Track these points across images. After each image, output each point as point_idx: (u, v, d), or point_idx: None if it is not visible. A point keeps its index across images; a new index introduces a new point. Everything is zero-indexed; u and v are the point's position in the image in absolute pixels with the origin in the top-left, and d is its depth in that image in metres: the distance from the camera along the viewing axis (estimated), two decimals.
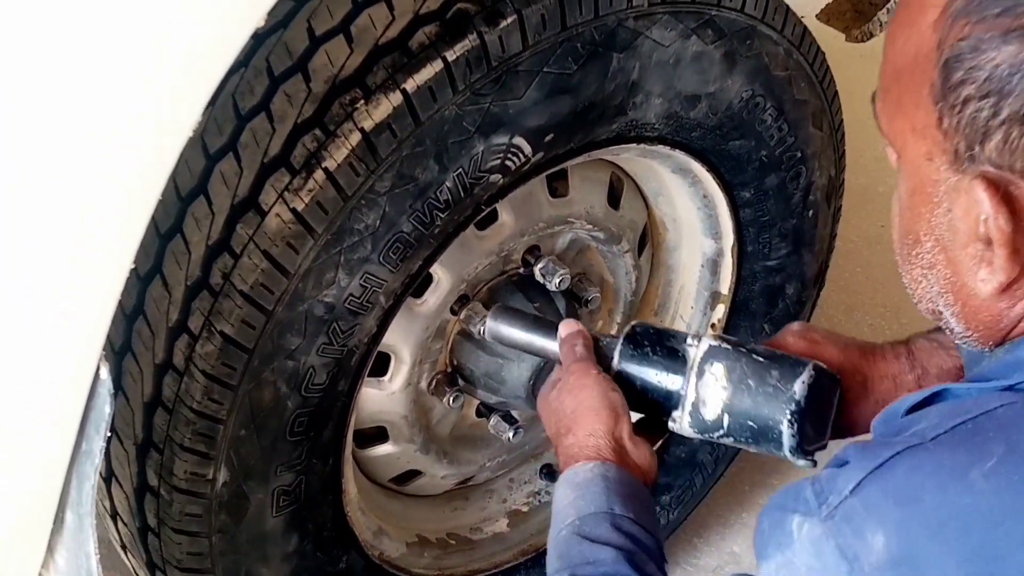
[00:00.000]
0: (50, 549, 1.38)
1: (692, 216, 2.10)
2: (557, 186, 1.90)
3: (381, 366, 1.83)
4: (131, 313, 1.49)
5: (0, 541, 1.33)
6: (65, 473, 1.32)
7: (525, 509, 2.28)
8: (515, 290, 1.90)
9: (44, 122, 1.07)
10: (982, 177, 0.99)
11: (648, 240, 2.19)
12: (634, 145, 1.79)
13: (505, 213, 1.81)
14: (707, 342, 1.51)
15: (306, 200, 1.41)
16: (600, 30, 1.56)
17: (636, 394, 1.55)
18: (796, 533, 0.97)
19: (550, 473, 2.23)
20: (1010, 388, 0.99)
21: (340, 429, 1.66)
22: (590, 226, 1.97)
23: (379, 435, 1.94)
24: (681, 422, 1.52)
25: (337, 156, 1.41)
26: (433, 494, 2.18)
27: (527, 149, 1.58)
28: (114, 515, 1.72)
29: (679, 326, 2.26)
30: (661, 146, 1.81)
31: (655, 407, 1.55)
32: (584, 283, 2.02)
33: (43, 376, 1.23)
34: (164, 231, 1.45)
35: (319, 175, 1.41)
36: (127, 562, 1.81)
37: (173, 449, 1.51)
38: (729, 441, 1.50)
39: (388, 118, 1.42)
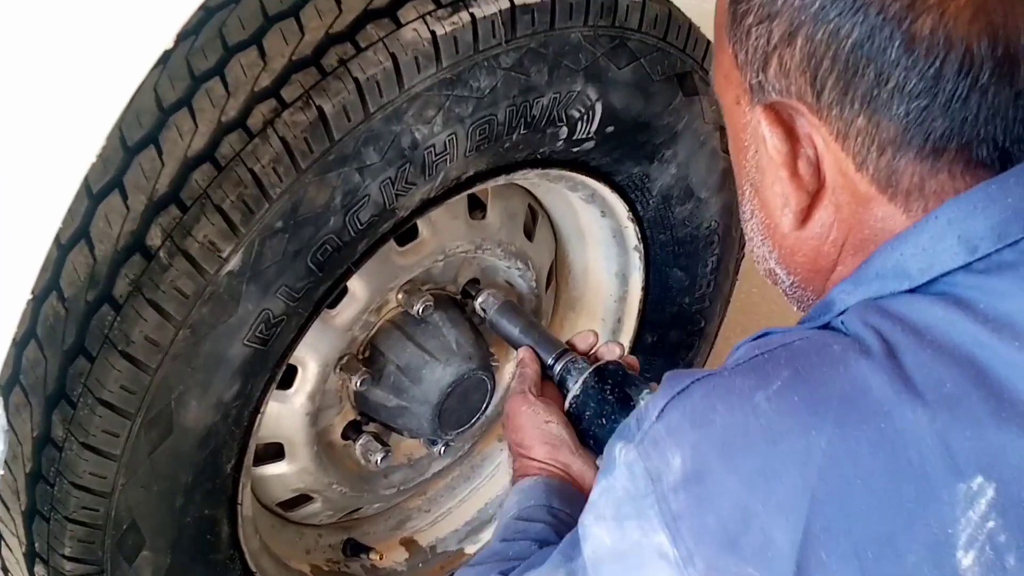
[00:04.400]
0: None
1: None
2: None
3: None
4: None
5: None
6: None
7: None
8: None
9: None
10: (764, 106, 1.03)
11: None
12: None
13: None
14: None
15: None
16: None
17: (584, 421, 1.65)
18: (618, 459, 1.00)
19: (355, 547, 2.14)
20: (822, 328, 1.02)
21: None
22: None
23: None
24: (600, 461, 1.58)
25: None
26: None
27: None
28: None
29: None
30: None
31: (597, 440, 1.62)
32: None
33: None
34: None
35: None
36: None
37: None
38: None
39: None
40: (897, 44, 0.93)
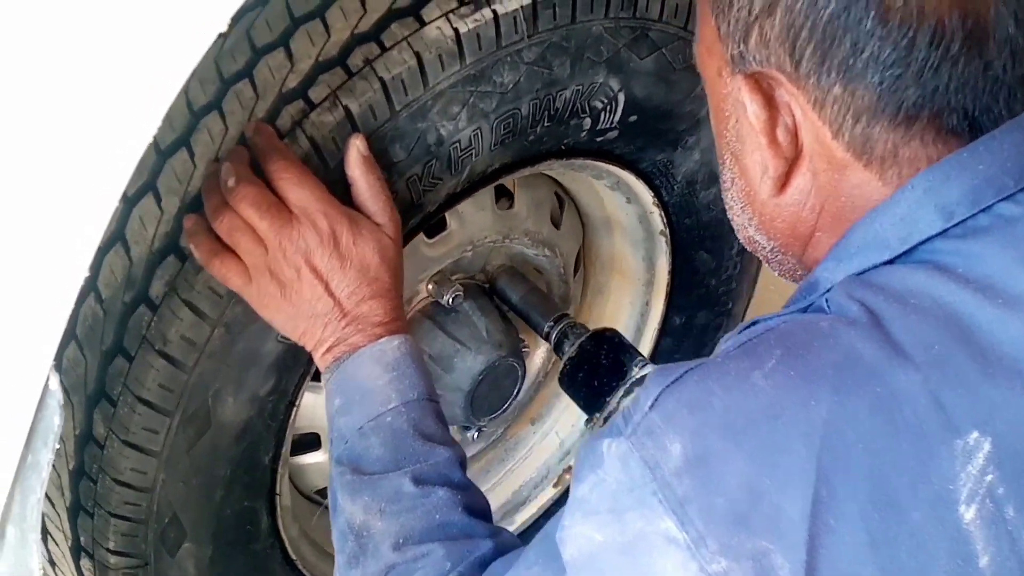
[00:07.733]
0: None
1: None
2: None
3: None
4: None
5: None
6: (9, 487, 1.22)
7: None
8: None
9: None
10: (745, 76, 1.08)
11: None
12: None
13: None
14: (649, 368, 1.68)
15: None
16: None
17: (577, 384, 1.74)
18: (606, 453, 0.99)
19: None
20: (804, 310, 1.05)
21: None
22: None
23: None
24: (597, 424, 1.72)
25: None
26: None
27: None
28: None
29: None
30: None
31: (588, 400, 1.71)
32: None
33: None
34: None
35: None
36: None
37: None
38: None
39: None
40: (872, 15, 0.98)
